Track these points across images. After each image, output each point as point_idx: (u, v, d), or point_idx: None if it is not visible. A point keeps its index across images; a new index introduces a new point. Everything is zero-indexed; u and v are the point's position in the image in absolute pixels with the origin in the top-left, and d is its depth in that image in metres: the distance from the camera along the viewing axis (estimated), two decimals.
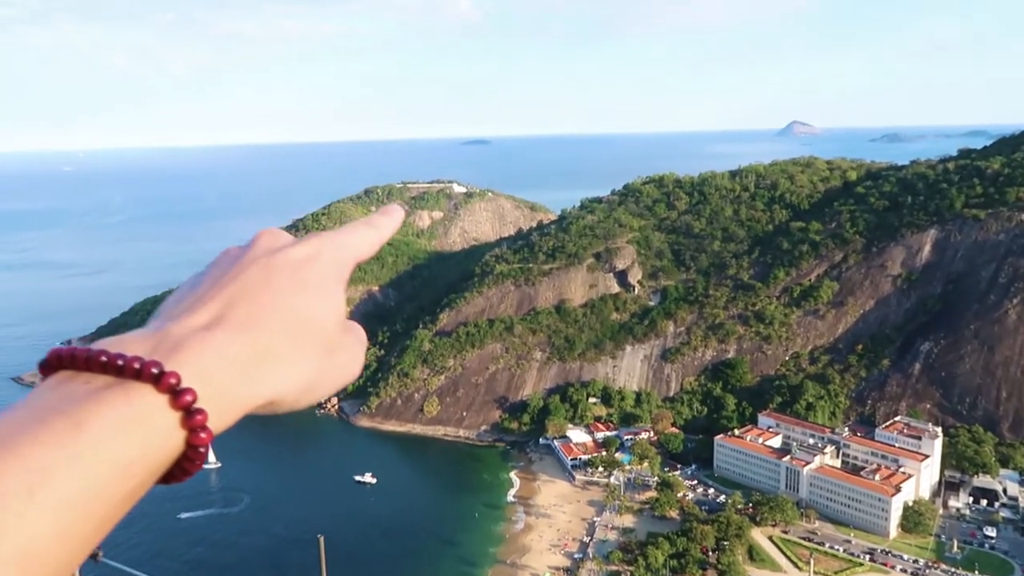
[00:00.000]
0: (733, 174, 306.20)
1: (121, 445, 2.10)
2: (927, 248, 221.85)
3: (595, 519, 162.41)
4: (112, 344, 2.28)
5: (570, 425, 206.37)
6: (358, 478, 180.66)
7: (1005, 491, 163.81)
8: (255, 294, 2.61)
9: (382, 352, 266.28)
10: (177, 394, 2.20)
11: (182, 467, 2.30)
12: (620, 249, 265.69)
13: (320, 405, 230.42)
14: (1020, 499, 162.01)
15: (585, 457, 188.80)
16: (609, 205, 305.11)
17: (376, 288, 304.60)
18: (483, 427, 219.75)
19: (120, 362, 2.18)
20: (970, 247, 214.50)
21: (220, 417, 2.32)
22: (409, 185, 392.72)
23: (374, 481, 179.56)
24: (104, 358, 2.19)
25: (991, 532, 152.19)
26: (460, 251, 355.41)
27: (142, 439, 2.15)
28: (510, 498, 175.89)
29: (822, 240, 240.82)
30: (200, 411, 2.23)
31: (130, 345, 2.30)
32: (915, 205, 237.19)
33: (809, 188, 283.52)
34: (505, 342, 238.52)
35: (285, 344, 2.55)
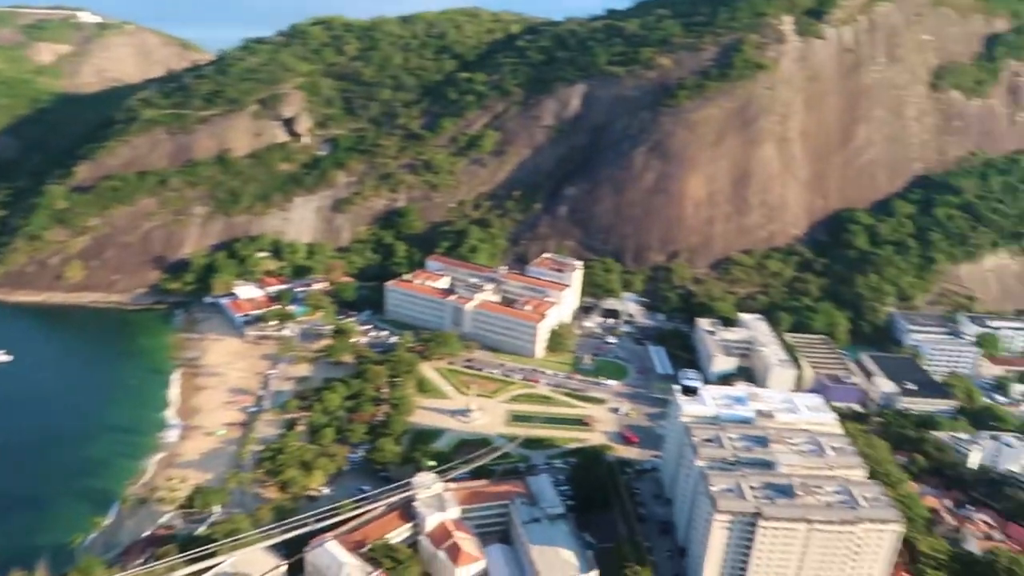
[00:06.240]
0: (404, 20, 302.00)
1: None
2: (576, 101, 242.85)
3: (270, 372, 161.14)
4: None
5: (239, 282, 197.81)
6: None
7: (628, 312, 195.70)
8: None
9: (5, 212, 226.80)
10: None
11: None
12: (287, 95, 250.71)
13: None
14: (636, 315, 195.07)
15: (256, 313, 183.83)
16: (274, 47, 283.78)
17: None
18: (139, 290, 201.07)
19: None
20: (610, 101, 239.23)
21: None
22: (20, 9, 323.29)
23: (10, 359, 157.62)
24: None
25: (612, 341, 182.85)
26: (96, 93, 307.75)
27: None
28: (176, 360, 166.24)
29: (486, 91, 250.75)
30: None
31: None
32: (567, 60, 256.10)
33: (475, 39, 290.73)
34: (160, 197, 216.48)
35: None
